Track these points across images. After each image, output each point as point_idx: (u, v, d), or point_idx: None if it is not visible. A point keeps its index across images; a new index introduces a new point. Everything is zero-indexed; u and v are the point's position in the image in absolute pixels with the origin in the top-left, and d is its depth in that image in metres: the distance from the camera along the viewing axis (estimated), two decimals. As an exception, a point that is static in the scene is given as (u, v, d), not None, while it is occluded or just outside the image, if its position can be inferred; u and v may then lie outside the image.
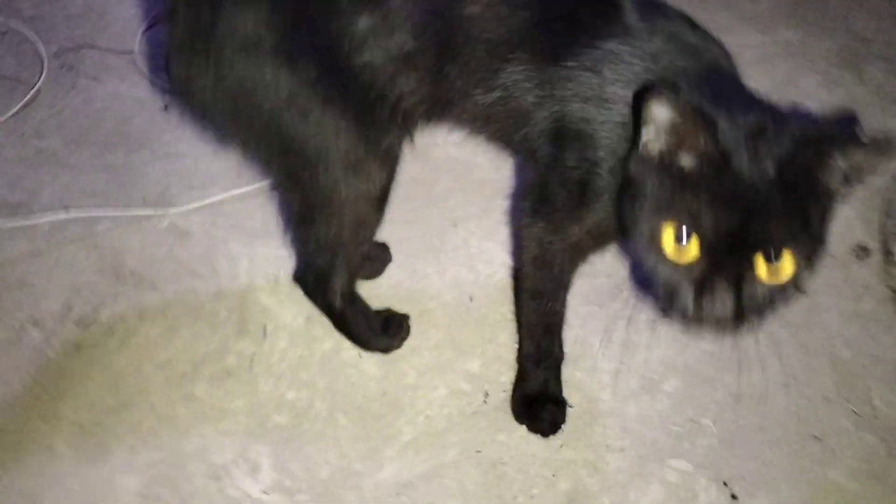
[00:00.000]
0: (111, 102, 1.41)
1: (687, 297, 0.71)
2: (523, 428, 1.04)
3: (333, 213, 0.91)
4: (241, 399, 1.04)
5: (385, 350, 1.10)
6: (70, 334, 1.08)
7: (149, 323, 1.10)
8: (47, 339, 1.07)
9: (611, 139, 0.82)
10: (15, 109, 1.36)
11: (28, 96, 1.38)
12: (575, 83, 0.82)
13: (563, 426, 1.04)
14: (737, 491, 0.99)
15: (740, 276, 0.69)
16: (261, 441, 1.01)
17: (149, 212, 1.22)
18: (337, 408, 1.05)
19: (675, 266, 0.71)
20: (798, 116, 0.76)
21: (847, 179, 0.70)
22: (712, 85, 0.78)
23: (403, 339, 1.11)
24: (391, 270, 1.19)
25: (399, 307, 1.14)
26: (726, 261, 0.69)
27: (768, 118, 0.72)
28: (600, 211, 0.86)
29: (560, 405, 1.05)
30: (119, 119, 1.39)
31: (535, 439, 1.03)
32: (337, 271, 1.00)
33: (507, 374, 1.08)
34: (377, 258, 1.19)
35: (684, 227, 0.70)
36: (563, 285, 0.99)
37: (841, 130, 0.73)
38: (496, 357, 1.10)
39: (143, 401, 1.02)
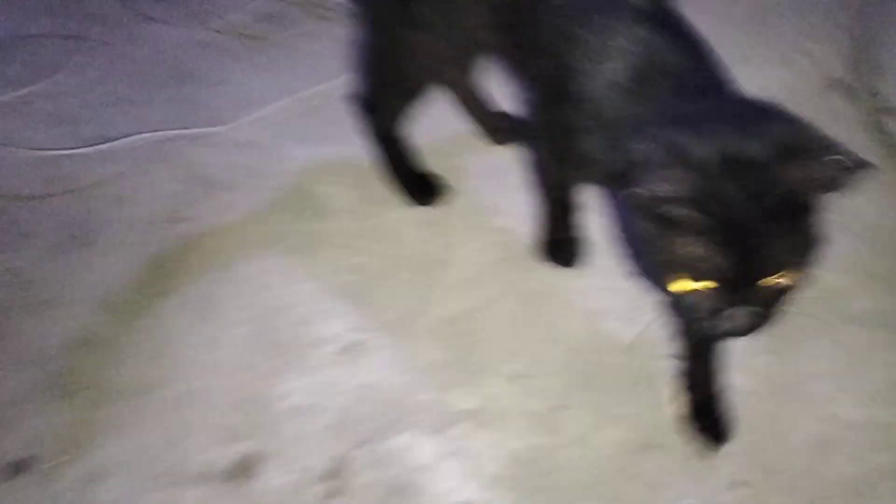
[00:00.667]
0: (161, 46, 1.61)
1: (711, 321, 0.76)
2: (549, 267, 1.24)
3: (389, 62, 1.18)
4: (313, 265, 1.26)
5: (414, 199, 1.32)
6: (167, 230, 1.31)
7: (226, 214, 1.32)
8: (151, 235, 1.30)
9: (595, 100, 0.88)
10: (80, 61, 1.57)
11: (89, 49, 1.58)
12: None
13: (579, 259, 1.24)
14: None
15: (753, 292, 0.73)
16: (335, 295, 1.23)
17: (209, 129, 1.43)
18: (392, 265, 1.26)
19: (692, 299, 0.76)
20: (764, 115, 0.78)
21: (827, 188, 0.71)
22: (688, 96, 0.84)
23: (433, 200, 1.32)
24: (434, 146, 1.37)
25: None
26: (737, 287, 0.73)
27: (738, 133, 0.73)
28: (582, 168, 0.97)
29: (577, 243, 1.24)
30: (169, 59, 1.59)
31: (560, 273, 1.23)
32: (379, 107, 1.27)
33: (531, 227, 1.27)
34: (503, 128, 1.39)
35: (693, 276, 0.74)
36: (565, 181, 1.15)
37: (814, 139, 0.72)
38: (522, 214, 1.29)
39: (238, 271, 1.25)
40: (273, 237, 1.29)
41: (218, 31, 1.61)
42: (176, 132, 1.44)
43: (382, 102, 1.26)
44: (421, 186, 1.32)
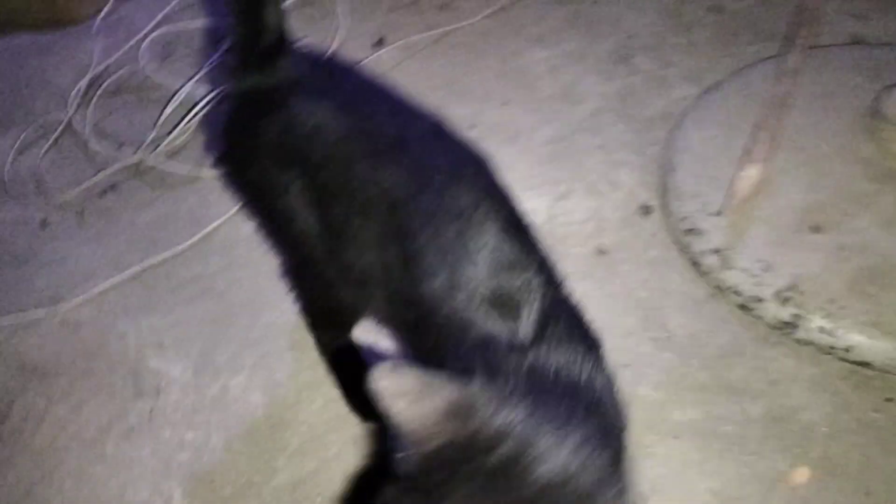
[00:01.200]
0: (-6, 228, 1.59)
1: None
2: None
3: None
4: (146, 448, 1.22)
5: (358, 413, 1.24)
6: (-11, 431, 1.25)
7: (57, 405, 1.27)
8: (-31, 439, 1.24)
9: None
10: None
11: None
12: None
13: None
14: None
15: None
16: (169, 478, 1.19)
17: (41, 313, 1.40)
18: (231, 436, 1.24)
19: None
20: None
21: None
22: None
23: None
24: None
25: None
26: None
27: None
28: None
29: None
30: (3, 240, 1.56)
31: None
32: (314, 330, 1.24)
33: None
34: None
35: None
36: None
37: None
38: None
39: (63, 468, 1.20)
40: (104, 424, 1.25)
41: (53, 208, 1.60)
42: (5, 319, 1.39)
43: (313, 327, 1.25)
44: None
